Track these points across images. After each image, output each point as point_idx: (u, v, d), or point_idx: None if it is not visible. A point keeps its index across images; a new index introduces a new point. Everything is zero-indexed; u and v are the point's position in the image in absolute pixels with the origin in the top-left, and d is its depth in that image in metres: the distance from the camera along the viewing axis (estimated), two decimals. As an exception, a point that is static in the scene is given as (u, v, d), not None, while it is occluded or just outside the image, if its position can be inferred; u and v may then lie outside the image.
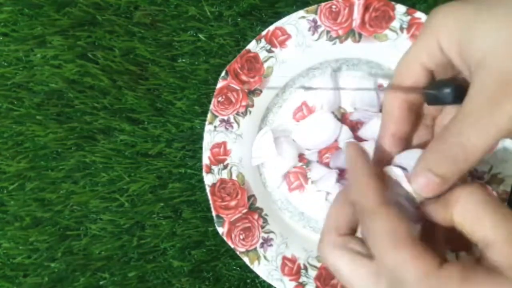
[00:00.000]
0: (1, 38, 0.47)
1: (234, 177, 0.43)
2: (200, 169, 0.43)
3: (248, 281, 0.45)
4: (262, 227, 0.43)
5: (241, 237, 0.43)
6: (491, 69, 0.23)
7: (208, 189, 0.43)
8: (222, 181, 0.43)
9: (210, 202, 0.43)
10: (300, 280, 0.42)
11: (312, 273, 0.42)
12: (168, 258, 0.46)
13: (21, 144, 0.47)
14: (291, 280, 0.42)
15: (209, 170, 0.43)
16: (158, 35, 0.46)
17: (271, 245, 0.43)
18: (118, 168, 0.46)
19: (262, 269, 0.42)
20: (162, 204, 0.46)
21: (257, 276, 0.44)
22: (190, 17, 0.46)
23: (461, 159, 0.24)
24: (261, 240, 0.43)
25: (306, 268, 0.42)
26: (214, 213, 0.43)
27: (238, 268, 0.45)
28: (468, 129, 0.24)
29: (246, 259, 0.42)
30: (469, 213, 0.24)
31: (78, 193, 0.46)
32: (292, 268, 0.42)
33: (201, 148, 0.43)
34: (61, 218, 0.47)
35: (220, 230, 0.42)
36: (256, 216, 0.43)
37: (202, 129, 0.44)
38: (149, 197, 0.46)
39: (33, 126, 0.47)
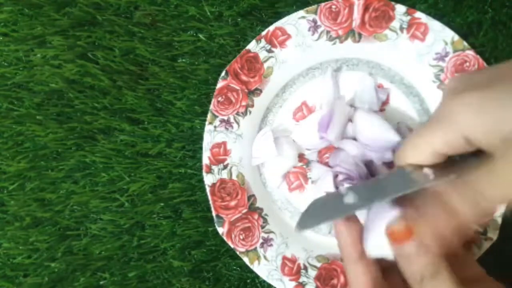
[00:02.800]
0: (1, 38, 0.47)
1: (234, 177, 0.43)
2: (200, 169, 0.43)
3: (248, 281, 0.45)
4: (262, 227, 0.43)
5: (241, 237, 0.43)
6: None
7: (208, 189, 0.43)
8: (222, 181, 0.43)
9: (210, 202, 0.43)
10: (300, 280, 0.42)
11: (312, 273, 0.42)
12: (168, 258, 0.46)
13: (21, 144, 0.47)
14: (291, 280, 0.42)
15: (209, 170, 0.43)
16: (158, 35, 0.46)
17: (271, 245, 0.43)
18: (118, 168, 0.46)
19: (262, 269, 0.42)
20: (162, 204, 0.46)
21: (257, 276, 0.44)
22: (190, 17, 0.46)
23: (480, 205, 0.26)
24: (261, 240, 0.43)
25: (306, 268, 0.42)
26: (214, 213, 0.43)
27: (238, 268, 0.45)
28: (493, 180, 0.26)
29: (246, 259, 0.42)
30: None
31: (78, 193, 0.46)
32: (292, 268, 0.42)
33: (201, 148, 0.43)
34: (61, 218, 0.47)
35: (220, 230, 0.42)
36: (256, 216, 0.43)
37: (202, 129, 0.44)
38: (149, 197, 0.46)
39: (33, 126, 0.47)
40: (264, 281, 0.43)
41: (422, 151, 0.29)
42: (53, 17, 0.46)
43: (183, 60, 0.46)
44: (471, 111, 0.26)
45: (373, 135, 0.41)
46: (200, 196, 0.45)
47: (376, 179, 0.31)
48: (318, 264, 0.42)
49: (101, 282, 0.46)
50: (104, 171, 0.46)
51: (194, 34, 0.46)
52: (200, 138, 0.44)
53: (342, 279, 0.42)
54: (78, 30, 0.46)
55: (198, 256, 0.45)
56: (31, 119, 0.47)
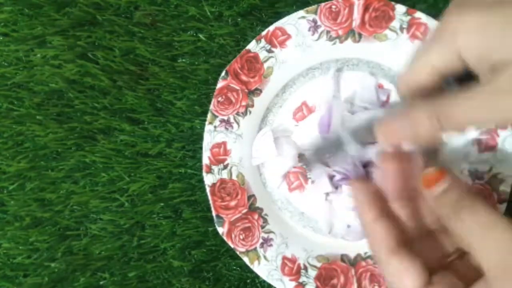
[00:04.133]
0: (1, 38, 0.47)
1: (234, 177, 0.43)
2: (200, 169, 0.43)
3: (248, 281, 0.45)
4: (262, 227, 0.43)
5: (241, 237, 0.43)
6: None
7: (208, 189, 0.43)
8: (222, 181, 0.43)
9: (210, 202, 0.43)
10: (300, 280, 0.42)
11: (312, 273, 0.42)
12: (168, 258, 0.46)
13: (21, 144, 0.47)
14: (291, 280, 0.42)
15: (209, 170, 0.43)
16: (158, 35, 0.46)
17: (271, 245, 0.43)
18: (118, 168, 0.46)
19: (262, 269, 0.42)
20: (162, 204, 0.46)
21: (257, 276, 0.44)
22: (190, 17, 0.46)
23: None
24: (261, 240, 0.43)
25: (306, 268, 0.42)
26: (214, 213, 0.43)
27: (238, 268, 0.45)
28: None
29: (246, 259, 0.42)
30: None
31: (78, 193, 0.46)
32: (292, 268, 0.42)
33: (201, 148, 0.43)
34: (61, 218, 0.47)
35: (220, 230, 0.42)
36: (256, 216, 0.43)
37: (202, 129, 0.44)
38: (149, 197, 0.46)
39: (33, 126, 0.47)
40: (264, 281, 0.43)
41: (421, 69, 0.29)
42: (53, 17, 0.46)
43: (183, 60, 0.46)
44: (469, 31, 0.26)
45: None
46: (200, 196, 0.45)
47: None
48: (318, 264, 0.42)
49: (101, 282, 0.46)
50: (104, 171, 0.46)
51: (194, 34, 0.46)
52: (200, 138, 0.44)
53: (342, 279, 0.42)
54: (78, 30, 0.46)
55: (198, 256, 0.45)
56: (31, 119, 0.47)
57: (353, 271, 0.42)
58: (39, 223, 0.47)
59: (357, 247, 0.42)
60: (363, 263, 0.42)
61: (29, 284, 0.47)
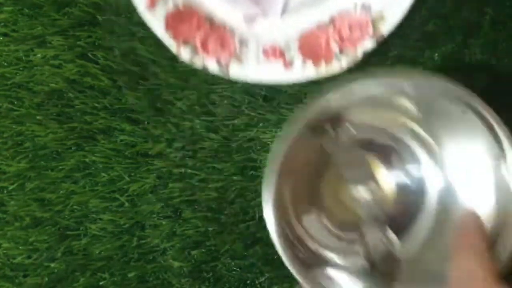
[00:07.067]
0: (1, 38, 0.47)
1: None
2: (201, 169, 0.43)
3: (248, 281, 0.45)
4: (233, 35, 0.43)
5: (219, 49, 0.42)
6: None
7: (161, 28, 0.42)
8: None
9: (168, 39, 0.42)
10: (287, 58, 0.42)
11: (295, 47, 0.42)
12: (168, 258, 0.46)
13: (21, 144, 0.47)
14: (278, 62, 0.42)
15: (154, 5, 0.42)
16: (158, 35, 0.46)
17: (248, 44, 0.42)
18: (118, 168, 0.46)
19: (253, 65, 0.42)
20: (162, 204, 0.46)
21: (257, 277, 0.44)
22: (190, 17, 0.46)
23: None
24: (238, 45, 0.43)
25: (288, 47, 0.42)
26: (178, 50, 0.42)
27: (238, 269, 0.45)
28: None
29: (234, 65, 0.42)
30: None
31: (78, 193, 0.46)
32: (274, 52, 0.42)
33: (201, 148, 0.43)
34: (61, 218, 0.47)
35: (190, 51, 0.42)
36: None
37: (202, 129, 0.44)
38: (149, 197, 0.46)
39: (33, 126, 0.47)
40: (264, 282, 0.43)
41: None
42: (53, 17, 0.46)
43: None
44: None
45: None
46: (200, 196, 0.45)
47: None
48: (298, 39, 0.42)
49: (101, 283, 0.46)
50: (104, 171, 0.46)
51: (194, 34, 0.46)
52: (201, 138, 0.44)
53: (323, 39, 0.42)
54: (78, 30, 0.46)
55: (198, 257, 0.45)
56: (31, 119, 0.47)
57: (331, 28, 0.42)
58: (39, 223, 0.47)
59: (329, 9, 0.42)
60: (337, 17, 0.42)
61: (29, 284, 0.47)
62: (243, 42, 0.43)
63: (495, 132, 0.30)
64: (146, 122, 0.46)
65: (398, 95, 0.34)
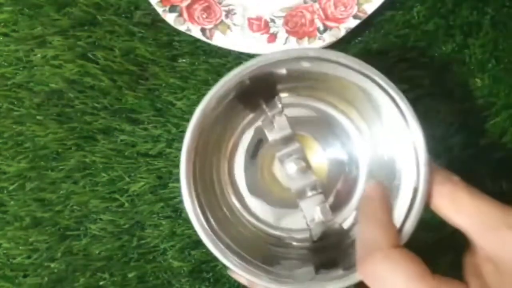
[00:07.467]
0: (1, 38, 0.47)
1: None
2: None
3: (248, 281, 0.45)
4: (220, 3, 0.44)
5: (204, 16, 0.43)
6: None
7: None
8: None
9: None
10: (271, 31, 0.43)
11: (279, 22, 0.43)
12: (168, 258, 0.46)
13: (21, 144, 0.47)
14: (262, 34, 0.43)
15: None
16: (158, 35, 0.46)
17: (235, 13, 0.44)
18: (118, 168, 0.46)
19: (237, 35, 0.43)
20: (162, 204, 0.46)
21: (257, 276, 0.44)
22: (190, 17, 0.46)
23: None
24: (224, 13, 0.44)
25: (273, 21, 0.43)
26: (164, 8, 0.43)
27: (238, 268, 0.45)
28: None
29: (218, 33, 0.43)
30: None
31: (78, 193, 0.46)
32: (259, 24, 0.43)
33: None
34: (61, 218, 0.47)
35: (181, 21, 0.43)
36: None
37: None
38: (149, 197, 0.46)
39: (33, 126, 0.47)
40: (264, 281, 0.43)
41: None
42: (53, 17, 0.46)
43: (183, 60, 0.46)
44: None
45: None
46: (200, 196, 0.45)
47: None
48: (283, 14, 0.43)
49: (101, 283, 0.46)
50: (104, 171, 0.46)
51: (194, 34, 0.46)
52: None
53: (308, 16, 0.43)
54: (78, 30, 0.46)
55: (198, 256, 0.45)
56: (31, 119, 0.47)
57: (317, 5, 0.43)
58: (39, 223, 0.47)
59: None
60: None
61: (29, 284, 0.46)
62: (229, 11, 0.44)
63: (398, 105, 0.30)
64: (146, 122, 0.46)
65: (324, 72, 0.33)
